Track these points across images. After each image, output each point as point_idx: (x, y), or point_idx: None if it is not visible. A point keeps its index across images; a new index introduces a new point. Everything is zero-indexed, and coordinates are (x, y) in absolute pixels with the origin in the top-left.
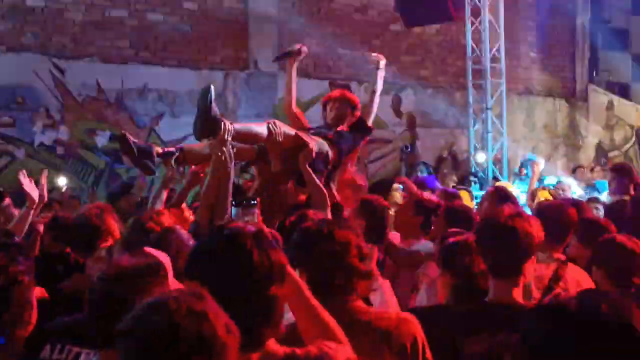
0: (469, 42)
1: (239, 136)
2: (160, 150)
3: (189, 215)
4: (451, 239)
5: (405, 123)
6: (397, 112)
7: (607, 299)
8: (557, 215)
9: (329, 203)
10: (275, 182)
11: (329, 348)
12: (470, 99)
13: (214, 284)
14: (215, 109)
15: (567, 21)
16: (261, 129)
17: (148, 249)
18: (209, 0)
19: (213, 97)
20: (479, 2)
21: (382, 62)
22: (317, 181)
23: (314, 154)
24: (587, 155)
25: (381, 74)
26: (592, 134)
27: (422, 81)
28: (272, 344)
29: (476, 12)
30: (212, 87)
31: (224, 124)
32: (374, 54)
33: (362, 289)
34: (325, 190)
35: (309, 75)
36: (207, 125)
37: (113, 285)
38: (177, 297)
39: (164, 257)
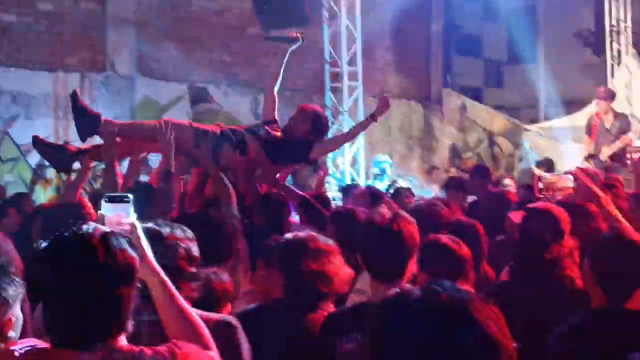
0: (326, 45)
1: (126, 130)
2: (74, 148)
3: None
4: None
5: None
6: (256, 115)
7: (449, 289)
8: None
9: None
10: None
11: (179, 349)
12: (328, 102)
13: (58, 283)
14: (87, 107)
15: (422, 26)
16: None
17: None
18: (65, 2)
19: (79, 98)
20: (336, 6)
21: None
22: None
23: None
24: (441, 156)
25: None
26: (447, 135)
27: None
28: (119, 342)
29: (333, 16)
30: (76, 90)
31: (101, 118)
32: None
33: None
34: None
35: (167, 78)
36: (85, 124)
37: None
38: None
39: None
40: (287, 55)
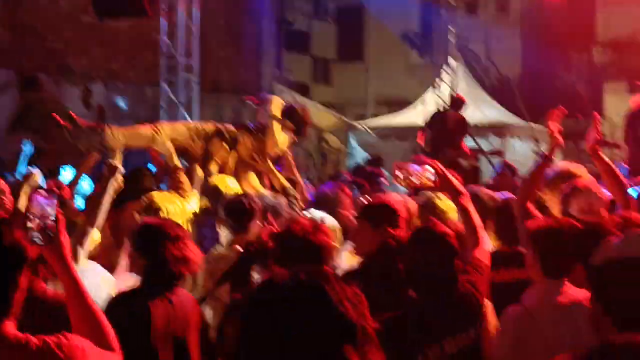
0: (163, 37)
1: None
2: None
3: None
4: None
5: (95, 116)
6: (87, 105)
7: (309, 272)
8: None
9: None
10: None
11: (67, 340)
12: (163, 95)
13: None
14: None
15: (254, 22)
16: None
17: None
18: None
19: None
20: None
21: None
22: None
23: None
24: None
25: None
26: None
27: (113, 75)
28: (7, 329)
29: (170, 8)
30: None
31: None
32: None
33: None
34: None
35: None
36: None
37: None
38: None
39: None
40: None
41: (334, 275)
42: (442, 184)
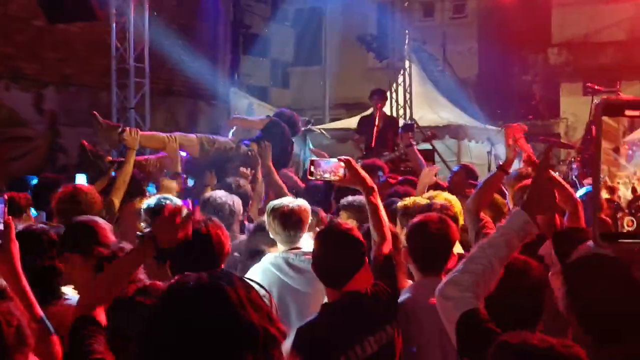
0: (114, 41)
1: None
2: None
3: None
4: None
5: (47, 121)
6: (39, 110)
7: (215, 276)
8: None
9: None
10: None
11: None
12: (115, 99)
13: None
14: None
15: (210, 26)
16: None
17: None
18: None
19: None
20: (124, 2)
21: None
22: None
23: None
24: None
25: None
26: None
27: (66, 79)
28: None
29: (121, 12)
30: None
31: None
32: None
33: None
34: None
35: None
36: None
37: None
38: None
39: None
40: None
41: (237, 277)
42: (352, 178)
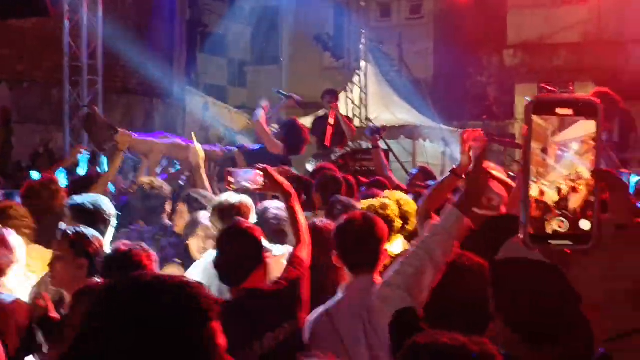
0: (67, 38)
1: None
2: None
3: None
4: None
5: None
6: None
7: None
8: None
9: None
10: None
11: None
12: (67, 96)
13: None
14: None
15: (166, 24)
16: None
17: None
18: None
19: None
20: None
21: None
22: None
23: None
24: None
25: None
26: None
27: (18, 76)
28: None
29: (74, 9)
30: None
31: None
32: None
33: None
34: None
35: None
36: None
37: None
38: None
39: None
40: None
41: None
42: (271, 186)
